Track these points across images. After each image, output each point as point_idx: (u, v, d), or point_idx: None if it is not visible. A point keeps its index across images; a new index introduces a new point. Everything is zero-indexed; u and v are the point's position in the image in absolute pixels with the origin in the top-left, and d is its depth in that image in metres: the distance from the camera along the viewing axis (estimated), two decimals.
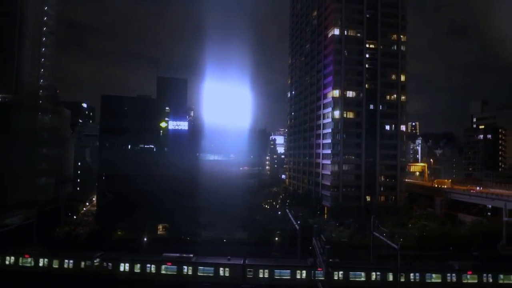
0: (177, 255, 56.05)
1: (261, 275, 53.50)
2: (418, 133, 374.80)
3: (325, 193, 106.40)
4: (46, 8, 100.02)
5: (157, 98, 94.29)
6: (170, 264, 55.20)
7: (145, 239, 72.37)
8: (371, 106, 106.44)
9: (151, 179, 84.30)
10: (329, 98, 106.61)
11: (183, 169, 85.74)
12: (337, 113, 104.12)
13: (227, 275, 53.95)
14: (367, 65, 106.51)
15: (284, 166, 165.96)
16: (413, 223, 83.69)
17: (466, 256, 66.36)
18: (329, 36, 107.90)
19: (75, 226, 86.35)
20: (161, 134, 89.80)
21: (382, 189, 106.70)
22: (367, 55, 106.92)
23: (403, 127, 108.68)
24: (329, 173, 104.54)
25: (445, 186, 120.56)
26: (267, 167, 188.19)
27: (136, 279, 54.37)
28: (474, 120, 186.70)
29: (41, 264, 56.52)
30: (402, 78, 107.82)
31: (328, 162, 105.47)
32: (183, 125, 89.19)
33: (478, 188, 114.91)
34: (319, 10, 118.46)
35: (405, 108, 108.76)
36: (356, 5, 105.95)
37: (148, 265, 55.12)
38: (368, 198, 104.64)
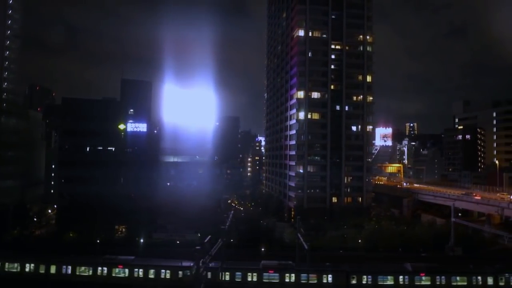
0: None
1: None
2: (416, 134, 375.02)
3: (291, 194, 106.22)
4: (10, 11, 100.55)
5: (121, 100, 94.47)
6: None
7: (98, 241, 72.46)
8: (337, 107, 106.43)
9: (109, 181, 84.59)
10: (294, 100, 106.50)
11: (141, 171, 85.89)
12: (302, 115, 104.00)
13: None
14: (332, 66, 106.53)
15: (263, 167, 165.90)
16: (371, 224, 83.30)
17: (415, 257, 66.18)
18: (294, 37, 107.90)
19: (34, 228, 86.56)
20: (121, 136, 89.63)
21: (348, 190, 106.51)
22: (332, 56, 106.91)
23: (369, 128, 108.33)
24: (293, 174, 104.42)
25: (413, 187, 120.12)
26: (249, 168, 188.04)
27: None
28: (456, 120, 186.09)
29: None
30: (369, 78, 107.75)
31: (294, 163, 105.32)
32: (142, 127, 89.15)
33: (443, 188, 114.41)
34: (287, 12, 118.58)
35: (371, 109, 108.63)
36: (321, 6, 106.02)
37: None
38: (334, 199, 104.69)
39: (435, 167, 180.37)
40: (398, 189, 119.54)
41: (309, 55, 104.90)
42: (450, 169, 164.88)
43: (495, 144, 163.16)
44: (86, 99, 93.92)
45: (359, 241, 73.21)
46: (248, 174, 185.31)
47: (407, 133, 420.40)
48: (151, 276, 52.75)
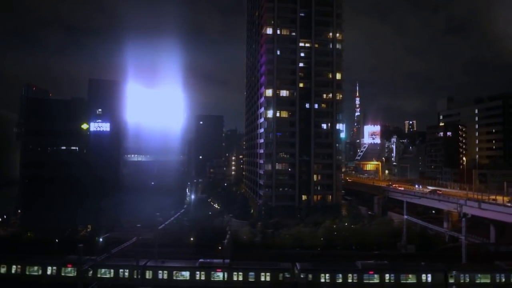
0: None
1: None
2: (415, 131, 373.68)
3: (261, 192, 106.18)
4: None
5: (88, 100, 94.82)
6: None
7: (57, 240, 72.84)
8: (307, 105, 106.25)
9: (71, 180, 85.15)
10: (263, 98, 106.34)
11: (103, 170, 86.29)
12: (270, 113, 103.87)
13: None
14: (302, 64, 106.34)
15: (241, 166, 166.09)
16: (333, 222, 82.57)
17: (368, 255, 66.10)
18: (263, 35, 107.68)
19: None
20: (85, 135, 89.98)
21: (318, 188, 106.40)
22: (302, 54, 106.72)
23: (339, 126, 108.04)
24: (262, 172, 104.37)
25: (385, 185, 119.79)
26: (233, 167, 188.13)
27: None
28: (441, 117, 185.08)
29: None
30: (338, 76, 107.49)
31: (262, 161, 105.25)
32: (105, 127, 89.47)
33: (416, 186, 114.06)
34: (259, 10, 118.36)
35: (341, 107, 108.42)
36: (290, 4, 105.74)
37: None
38: (304, 197, 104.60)
39: (419, 165, 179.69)
40: (371, 186, 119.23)
41: (278, 53, 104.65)
42: (433, 166, 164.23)
43: (477, 141, 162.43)
44: (50, 99, 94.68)
45: (321, 239, 73.39)
46: (233, 173, 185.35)
47: (406, 131, 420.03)
48: (251, 279, 52.01)
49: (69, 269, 53.11)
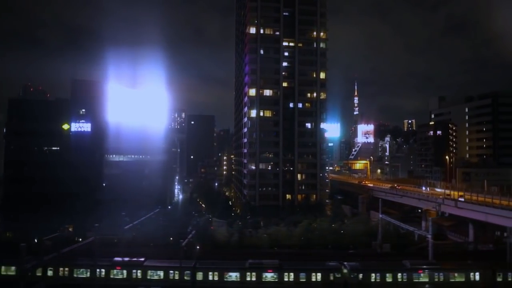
0: None
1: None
2: (414, 130, 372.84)
3: (245, 192, 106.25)
4: None
5: (71, 100, 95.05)
6: None
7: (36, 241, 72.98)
8: (291, 105, 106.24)
9: (52, 180, 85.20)
10: (246, 97, 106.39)
11: (85, 170, 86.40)
12: (253, 112, 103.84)
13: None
14: (286, 64, 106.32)
15: (232, 166, 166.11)
16: (311, 222, 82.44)
17: (343, 254, 66.09)
18: (247, 35, 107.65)
19: None
20: (66, 136, 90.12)
21: (303, 187, 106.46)
22: (286, 54, 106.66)
23: (323, 125, 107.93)
24: (246, 172, 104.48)
25: (370, 184, 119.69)
26: (224, 167, 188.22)
27: None
28: (432, 116, 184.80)
29: None
30: (322, 75, 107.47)
31: (246, 161, 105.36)
32: (86, 127, 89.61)
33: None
34: (244, 9, 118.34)
35: (324, 106, 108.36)
36: (273, 3, 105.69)
37: None
38: (288, 197, 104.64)
39: (411, 164, 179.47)
40: (356, 186, 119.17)
41: (261, 52, 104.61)
42: (423, 165, 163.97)
43: (467, 140, 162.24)
44: (32, 100, 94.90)
45: (301, 238, 73.29)
46: (224, 172, 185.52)
47: (405, 130, 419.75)
48: (302, 279, 51.36)
49: (12, 268, 52.24)
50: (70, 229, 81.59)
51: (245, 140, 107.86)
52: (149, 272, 50.93)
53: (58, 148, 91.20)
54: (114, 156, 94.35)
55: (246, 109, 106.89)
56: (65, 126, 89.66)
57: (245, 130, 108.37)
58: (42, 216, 77.79)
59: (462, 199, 74.74)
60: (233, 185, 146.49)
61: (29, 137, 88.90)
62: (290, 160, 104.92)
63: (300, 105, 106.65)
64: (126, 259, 51.88)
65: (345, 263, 52.99)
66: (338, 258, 57.87)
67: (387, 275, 51.00)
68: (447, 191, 79.76)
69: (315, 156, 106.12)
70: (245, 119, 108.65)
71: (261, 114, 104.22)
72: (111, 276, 50.70)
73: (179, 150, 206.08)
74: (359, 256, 63.81)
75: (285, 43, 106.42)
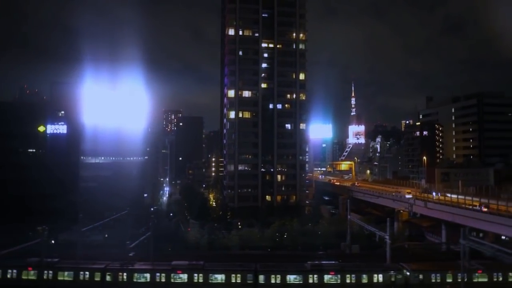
0: None
1: None
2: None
3: (225, 193, 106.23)
4: None
5: (49, 102, 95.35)
6: None
7: None
8: (271, 106, 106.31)
9: (28, 182, 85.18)
10: (226, 99, 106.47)
11: (61, 171, 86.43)
12: (232, 114, 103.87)
13: None
14: (265, 65, 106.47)
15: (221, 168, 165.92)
16: (283, 223, 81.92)
17: (312, 256, 66.05)
18: (226, 36, 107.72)
19: None
20: (42, 138, 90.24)
21: (283, 188, 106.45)
22: (265, 55, 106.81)
23: (302, 126, 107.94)
24: (225, 173, 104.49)
25: (349, 184, 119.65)
26: (213, 169, 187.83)
27: None
28: (421, 116, 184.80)
29: None
30: (302, 76, 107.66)
31: (226, 162, 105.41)
32: (62, 129, 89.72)
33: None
34: (224, 12, 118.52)
35: (305, 107, 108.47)
36: (252, 5, 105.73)
37: None
38: (268, 198, 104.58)
39: (399, 164, 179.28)
40: (338, 186, 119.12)
41: (240, 54, 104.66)
42: (410, 166, 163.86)
43: (454, 140, 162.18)
44: (7, 102, 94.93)
45: (278, 239, 73.41)
46: (213, 174, 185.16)
47: (403, 130, 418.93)
48: (364, 281, 50.50)
49: None
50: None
51: (224, 141, 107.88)
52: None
53: (34, 150, 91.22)
54: (90, 158, 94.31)
55: (225, 110, 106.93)
56: (41, 128, 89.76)
57: (225, 131, 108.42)
58: (16, 218, 77.98)
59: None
60: (219, 186, 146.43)
61: (4, 139, 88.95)
62: (269, 161, 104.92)
63: (279, 106, 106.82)
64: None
65: (402, 264, 52.49)
66: (308, 259, 58.13)
67: (448, 275, 50.82)
68: (417, 192, 79.62)
69: (295, 157, 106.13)
70: (225, 121, 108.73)
71: (240, 115, 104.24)
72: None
73: (168, 151, 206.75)
74: (328, 257, 63.95)
75: (264, 45, 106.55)
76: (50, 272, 49.94)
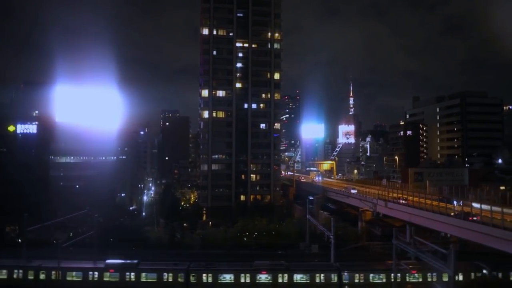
0: None
1: None
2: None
3: (198, 193, 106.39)
4: None
5: (19, 102, 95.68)
6: None
7: None
8: (245, 105, 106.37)
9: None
10: (200, 98, 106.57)
11: (31, 171, 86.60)
12: (206, 113, 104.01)
13: None
14: (240, 65, 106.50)
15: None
16: (247, 222, 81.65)
17: (272, 255, 66.06)
18: (200, 36, 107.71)
19: None
20: (12, 137, 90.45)
21: (257, 188, 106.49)
22: (240, 55, 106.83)
23: (277, 125, 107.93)
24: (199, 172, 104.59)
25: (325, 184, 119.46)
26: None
27: None
28: (408, 116, 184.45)
29: None
30: (276, 76, 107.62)
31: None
32: (32, 128, 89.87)
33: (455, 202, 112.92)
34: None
35: (279, 107, 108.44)
36: (226, 4, 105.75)
37: None
38: (243, 197, 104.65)
39: (384, 164, 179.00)
40: (314, 186, 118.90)
41: (214, 53, 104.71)
42: (394, 165, 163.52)
43: (438, 140, 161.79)
44: None
45: (246, 238, 73.46)
46: (198, 174, 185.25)
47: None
48: (296, 280, 50.92)
49: None
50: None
51: (199, 140, 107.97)
52: None
53: (4, 150, 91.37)
54: (61, 157, 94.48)
55: (199, 110, 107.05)
56: (11, 128, 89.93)
57: (199, 130, 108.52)
58: None
59: (402, 200, 74.47)
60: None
61: None
62: (243, 161, 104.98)
63: (254, 106, 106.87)
64: None
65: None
66: (266, 259, 58.15)
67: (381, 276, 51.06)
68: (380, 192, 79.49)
69: (269, 156, 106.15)
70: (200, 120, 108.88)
71: (214, 115, 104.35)
72: None
73: (156, 151, 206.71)
74: (286, 257, 63.98)
75: (239, 44, 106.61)
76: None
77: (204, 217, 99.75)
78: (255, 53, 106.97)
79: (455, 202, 58.12)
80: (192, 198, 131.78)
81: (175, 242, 72.46)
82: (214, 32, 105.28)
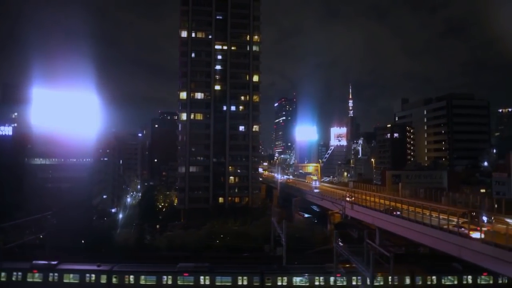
0: None
1: None
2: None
3: (176, 195, 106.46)
4: None
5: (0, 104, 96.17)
6: None
7: None
8: (224, 107, 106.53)
9: None
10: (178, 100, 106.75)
11: (5, 173, 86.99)
12: (184, 115, 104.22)
13: None
14: (219, 67, 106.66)
15: None
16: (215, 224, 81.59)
17: (237, 257, 66.08)
18: (179, 39, 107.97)
19: None
20: None
21: (236, 190, 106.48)
22: (219, 57, 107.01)
23: (256, 127, 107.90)
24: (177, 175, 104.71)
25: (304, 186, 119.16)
26: None
27: None
28: (397, 118, 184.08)
29: None
30: (255, 78, 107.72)
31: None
32: (7, 130, 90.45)
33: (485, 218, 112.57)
34: None
35: (257, 109, 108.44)
36: (205, 7, 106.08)
37: None
38: (221, 200, 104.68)
39: (372, 166, 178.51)
40: (294, 188, 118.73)
41: (192, 56, 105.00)
42: (381, 168, 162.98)
43: (426, 142, 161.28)
44: None
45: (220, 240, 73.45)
46: None
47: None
48: (218, 283, 51.55)
49: None
50: None
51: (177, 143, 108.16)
52: None
53: None
54: (37, 159, 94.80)
55: (178, 112, 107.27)
56: None
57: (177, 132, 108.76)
58: None
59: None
60: None
61: None
62: (221, 163, 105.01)
63: (233, 108, 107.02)
64: None
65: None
66: (229, 261, 58.44)
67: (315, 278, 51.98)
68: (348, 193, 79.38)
69: (247, 158, 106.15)
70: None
71: (192, 117, 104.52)
72: None
73: (147, 153, 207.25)
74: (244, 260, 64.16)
75: (218, 47, 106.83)
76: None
77: (182, 219, 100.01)
78: (234, 55, 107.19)
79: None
80: (175, 200, 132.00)
81: (144, 244, 72.53)
82: (193, 35, 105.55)
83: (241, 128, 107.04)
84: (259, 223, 77.59)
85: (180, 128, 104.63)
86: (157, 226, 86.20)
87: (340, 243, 60.00)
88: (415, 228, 50.52)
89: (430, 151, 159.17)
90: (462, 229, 41.73)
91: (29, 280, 50.59)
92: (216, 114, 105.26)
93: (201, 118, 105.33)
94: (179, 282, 51.45)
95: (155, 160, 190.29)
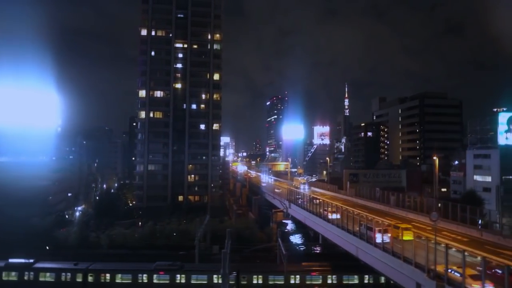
0: None
1: None
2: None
3: (135, 193, 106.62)
4: None
5: None
6: None
7: None
8: (184, 106, 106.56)
9: None
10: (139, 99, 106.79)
11: None
12: (143, 113, 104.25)
13: None
14: (180, 65, 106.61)
15: None
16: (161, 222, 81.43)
17: (170, 255, 66.14)
18: (139, 37, 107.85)
19: None
20: None
21: (196, 188, 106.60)
22: (180, 55, 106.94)
23: (216, 126, 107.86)
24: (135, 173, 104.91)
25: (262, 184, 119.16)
26: None
27: None
28: (374, 117, 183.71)
29: None
30: (216, 76, 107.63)
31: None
32: None
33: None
34: None
35: (218, 107, 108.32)
36: (165, 5, 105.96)
37: None
38: (181, 198, 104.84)
39: (351, 165, 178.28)
40: (258, 187, 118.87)
41: (152, 54, 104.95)
42: (356, 167, 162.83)
43: (400, 141, 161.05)
44: None
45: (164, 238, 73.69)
46: None
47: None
48: (127, 280, 52.76)
49: None
50: None
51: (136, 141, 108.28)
52: None
53: None
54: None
55: (137, 110, 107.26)
56: None
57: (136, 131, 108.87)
58: None
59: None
60: None
61: None
62: (181, 161, 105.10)
63: (194, 106, 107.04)
64: None
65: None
66: (166, 259, 58.64)
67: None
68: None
69: (207, 157, 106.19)
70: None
71: (152, 115, 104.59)
72: None
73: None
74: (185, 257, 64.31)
75: (178, 45, 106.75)
76: None
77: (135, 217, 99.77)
78: (195, 53, 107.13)
79: None
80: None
81: (88, 242, 72.62)
82: (153, 33, 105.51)
83: (202, 126, 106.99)
84: (201, 221, 77.44)
85: (139, 126, 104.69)
86: (104, 224, 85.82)
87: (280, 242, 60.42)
88: (329, 228, 50.51)
89: (404, 150, 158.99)
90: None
91: (4, 278, 50.75)
92: (176, 112, 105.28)
93: (161, 117, 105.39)
94: (154, 281, 52.03)
95: (133, 158, 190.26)
